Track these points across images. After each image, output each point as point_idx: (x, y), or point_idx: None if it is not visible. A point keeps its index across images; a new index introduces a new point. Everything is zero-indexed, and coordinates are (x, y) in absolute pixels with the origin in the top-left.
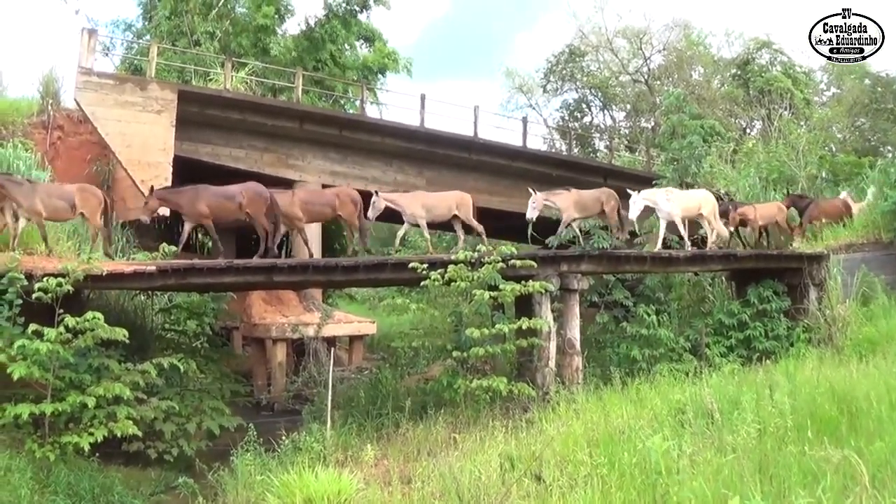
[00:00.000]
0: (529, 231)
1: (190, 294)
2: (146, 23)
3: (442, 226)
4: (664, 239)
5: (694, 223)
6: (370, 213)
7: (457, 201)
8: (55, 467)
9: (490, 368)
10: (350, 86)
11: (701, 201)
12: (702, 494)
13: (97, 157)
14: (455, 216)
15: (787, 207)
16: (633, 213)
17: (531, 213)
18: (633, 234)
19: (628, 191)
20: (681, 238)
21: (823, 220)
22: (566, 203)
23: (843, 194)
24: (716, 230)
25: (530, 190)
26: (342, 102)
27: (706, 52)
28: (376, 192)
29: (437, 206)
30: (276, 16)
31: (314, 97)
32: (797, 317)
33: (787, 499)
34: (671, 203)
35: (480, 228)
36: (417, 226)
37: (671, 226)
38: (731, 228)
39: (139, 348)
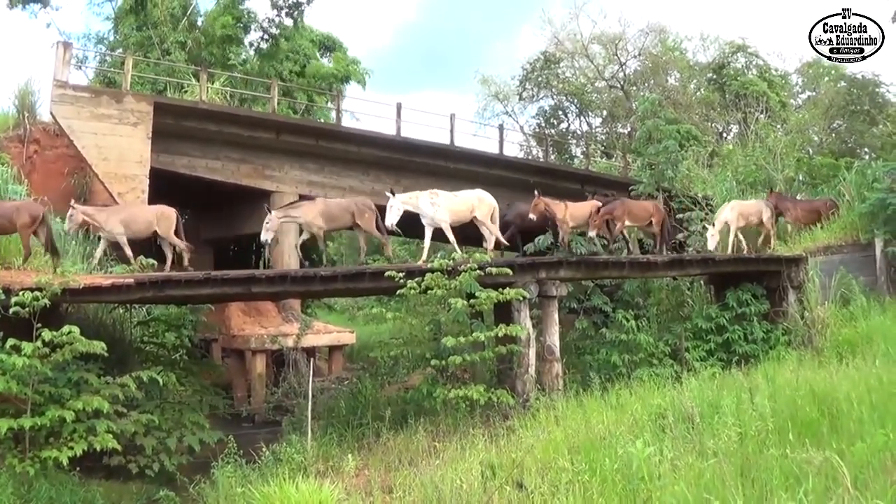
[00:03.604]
0: (265, 254)
1: (168, 306)
2: (117, 35)
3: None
4: (627, 243)
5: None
6: (66, 226)
7: (157, 216)
8: (36, 482)
9: (470, 376)
10: (319, 95)
11: (474, 203)
12: (684, 499)
13: (74, 171)
14: (155, 232)
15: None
16: (391, 219)
17: (265, 235)
18: (608, 241)
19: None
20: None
21: (627, 223)
22: (309, 215)
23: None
24: (494, 236)
25: (268, 207)
26: (313, 111)
27: (682, 56)
28: (73, 205)
29: (135, 220)
30: (239, 25)
31: (284, 107)
32: (776, 320)
33: (769, 502)
34: (436, 207)
35: (182, 245)
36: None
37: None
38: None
39: (118, 361)
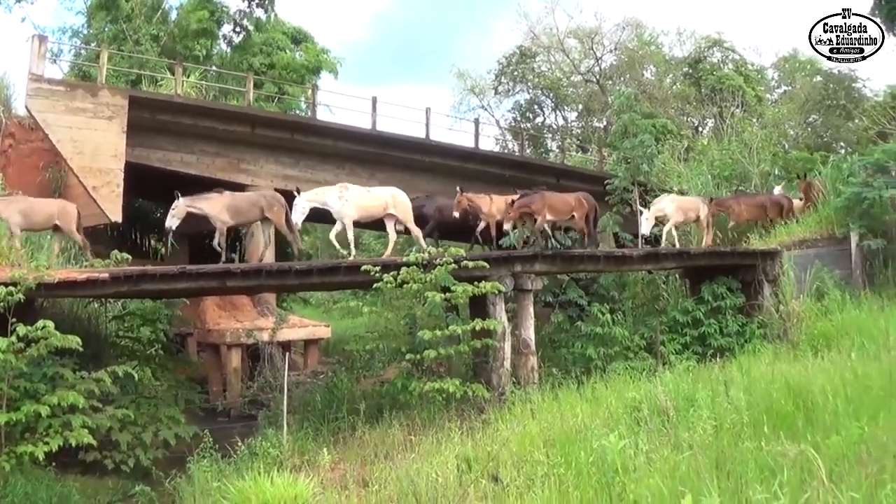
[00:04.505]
0: (169, 240)
1: (143, 300)
2: (90, 29)
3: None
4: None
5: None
6: None
7: (59, 210)
8: (12, 477)
9: (445, 370)
10: (291, 87)
11: (387, 200)
12: (658, 492)
13: (49, 165)
14: (56, 226)
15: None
16: (297, 216)
17: (170, 222)
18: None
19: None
20: (347, 247)
21: (548, 217)
22: (215, 208)
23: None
24: (413, 233)
25: (176, 194)
26: (284, 101)
27: (658, 51)
28: None
29: (34, 212)
30: (213, 19)
31: (257, 100)
32: (752, 313)
33: (743, 494)
34: (345, 203)
35: (80, 240)
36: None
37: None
38: (457, 214)
39: (93, 356)
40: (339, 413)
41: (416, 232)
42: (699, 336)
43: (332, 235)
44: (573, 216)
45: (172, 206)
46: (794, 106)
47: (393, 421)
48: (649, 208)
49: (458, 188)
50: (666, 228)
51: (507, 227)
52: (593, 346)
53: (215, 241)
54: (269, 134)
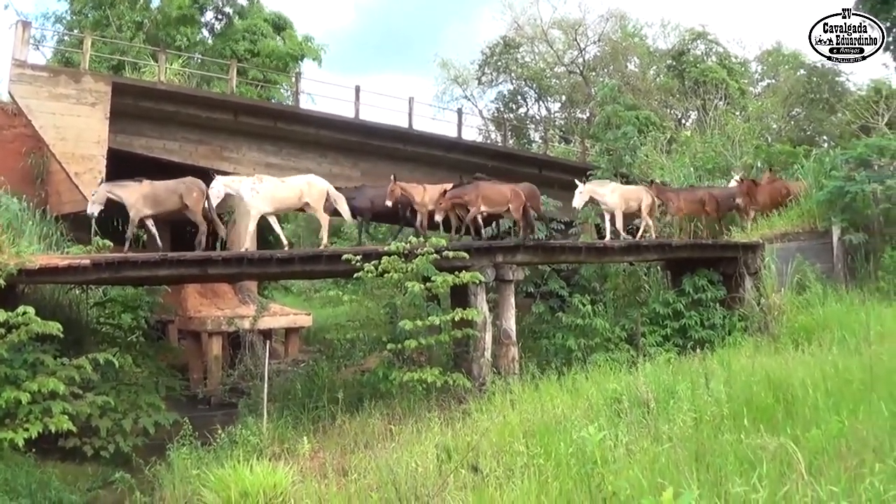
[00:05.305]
0: (93, 226)
1: (125, 287)
2: (73, 16)
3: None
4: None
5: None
6: None
7: None
8: None
9: (426, 360)
10: (275, 75)
11: (303, 189)
12: (638, 483)
13: (32, 150)
14: None
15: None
16: (213, 199)
17: (91, 209)
18: (567, 224)
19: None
20: (275, 237)
21: (483, 208)
22: (132, 197)
23: None
24: (326, 226)
25: (101, 180)
26: (268, 88)
27: (642, 43)
28: None
29: None
30: (196, 6)
31: (241, 87)
32: (733, 306)
33: (723, 486)
34: (255, 195)
35: None
36: None
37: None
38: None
39: (74, 343)
40: (319, 402)
41: (325, 221)
42: (680, 328)
43: (250, 227)
44: (508, 208)
45: (93, 192)
46: (778, 99)
47: (373, 410)
48: (584, 183)
49: (392, 176)
50: (618, 221)
51: (437, 217)
52: (574, 338)
53: (128, 233)
54: (252, 122)
